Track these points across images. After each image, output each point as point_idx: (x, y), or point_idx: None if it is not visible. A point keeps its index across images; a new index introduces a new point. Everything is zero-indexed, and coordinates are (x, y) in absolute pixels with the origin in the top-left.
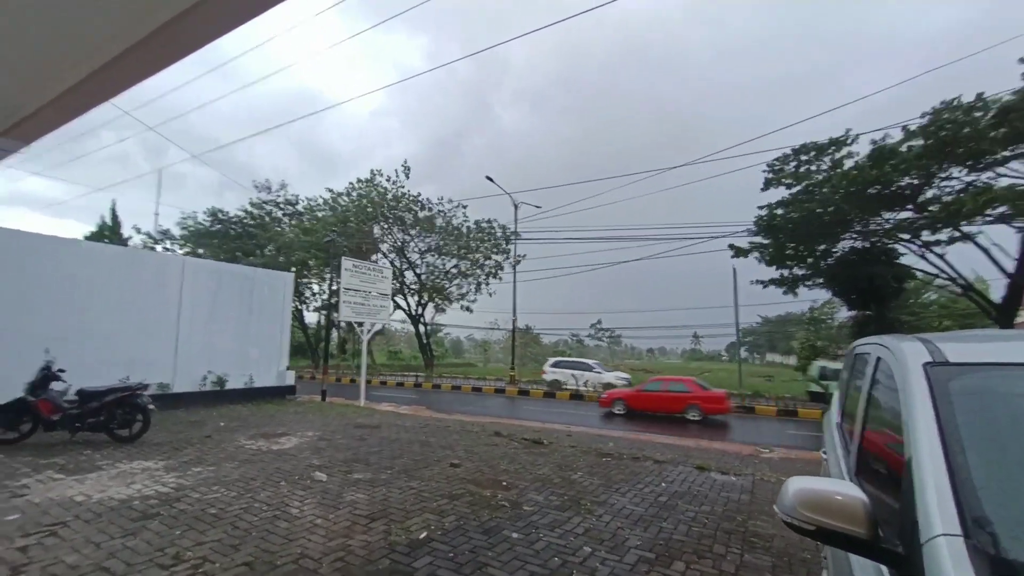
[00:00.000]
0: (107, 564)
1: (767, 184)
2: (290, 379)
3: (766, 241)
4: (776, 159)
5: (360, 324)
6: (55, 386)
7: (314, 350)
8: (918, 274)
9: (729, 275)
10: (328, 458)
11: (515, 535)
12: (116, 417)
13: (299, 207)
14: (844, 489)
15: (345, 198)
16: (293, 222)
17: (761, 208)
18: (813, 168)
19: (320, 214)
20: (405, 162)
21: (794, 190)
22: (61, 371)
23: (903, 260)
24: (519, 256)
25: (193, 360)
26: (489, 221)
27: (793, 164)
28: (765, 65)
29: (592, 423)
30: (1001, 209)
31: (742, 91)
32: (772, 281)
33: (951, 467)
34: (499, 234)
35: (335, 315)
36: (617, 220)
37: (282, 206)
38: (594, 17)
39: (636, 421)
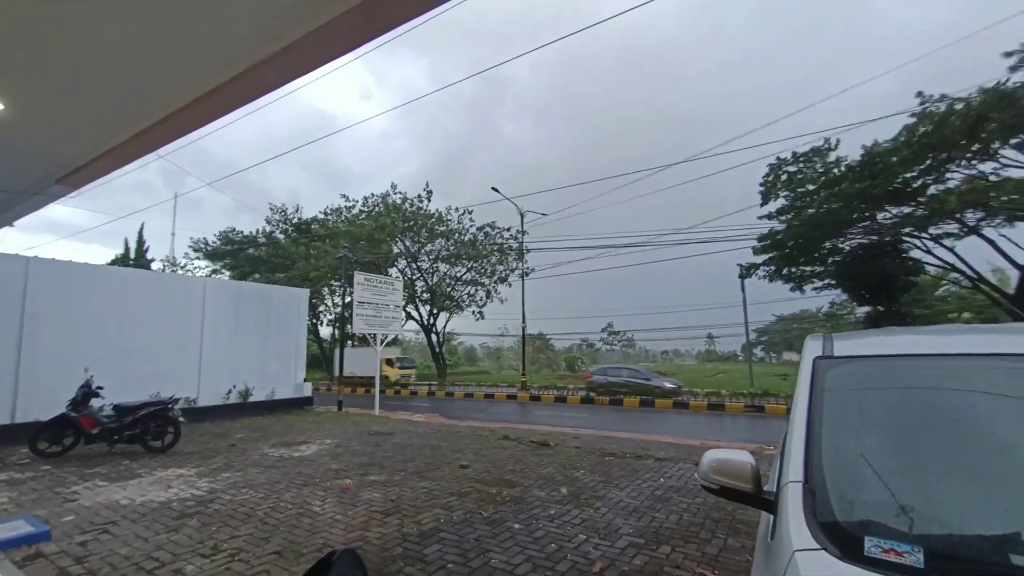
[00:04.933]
0: (156, 554)
1: (764, 198)
2: (308, 391)
3: (771, 255)
4: (766, 173)
5: (373, 336)
6: (94, 402)
7: (329, 362)
8: (929, 268)
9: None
10: (345, 463)
11: (517, 526)
12: (150, 430)
13: (314, 225)
14: (739, 456)
15: (360, 210)
16: (312, 249)
17: (760, 218)
18: (803, 176)
19: (339, 227)
20: (427, 185)
21: (790, 197)
22: (100, 388)
23: (913, 255)
24: (527, 268)
25: (216, 375)
26: (492, 225)
27: (785, 175)
28: (763, 72)
29: (601, 426)
30: (1002, 201)
31: (743, 97)
32: (779, 275)
33: (808, 436)
34: (506, 238)
35: (349, 328)
36: (625, 224)
37: (293, 226)
38: (591, 32)
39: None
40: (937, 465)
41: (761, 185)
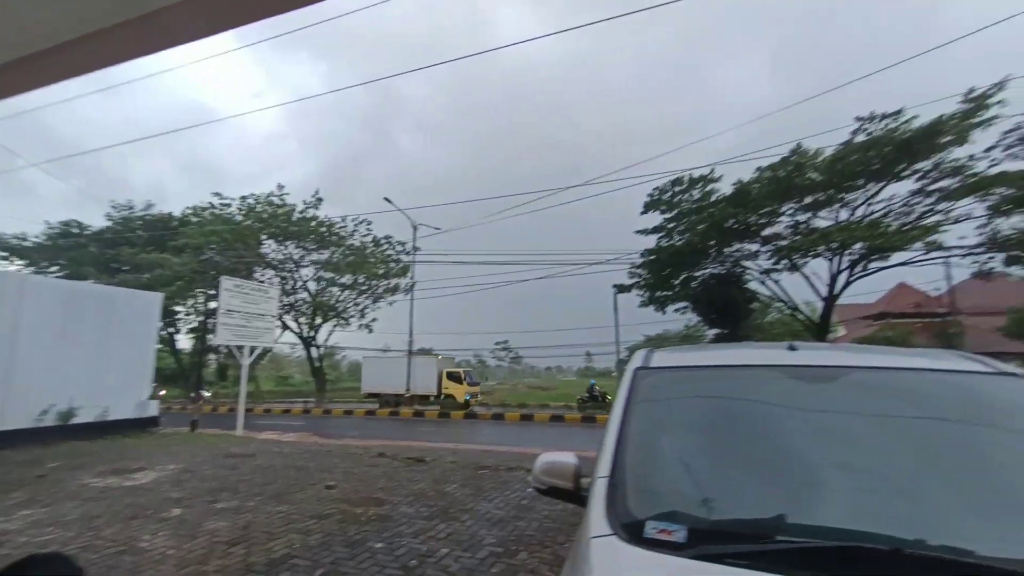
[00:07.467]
0: None
1: (647, 208)
2: (153, 409)
3: (646, 274)
4: (656, 188)
5: (241, 348)
6: None
7: (188, 378)
8: (762, 297)
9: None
10: (190, 489)
11: (379, 545)
12: None
13: (176, 222)
14: (565, 458)
15: (236, 209)
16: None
17: (637, 232)
18: (684, 198)
19: (208, 227)
20: (317, 192)
21: (668, 215)
22: None
23: (751, 285)
24: (412, 281)
25: (29, 392)
26: (388, 238)
27: (669, 194)
28: (638, 115)
29: (481, 440)
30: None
31: (621, 135)
32: (648, 301)
33: (619, 436)
34: (398, 250)
35: (211, 338)
36: (514, 244)
37: (144, 223)
38: (482, 60)
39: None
40: (723, 459)
41: (648, 196)
